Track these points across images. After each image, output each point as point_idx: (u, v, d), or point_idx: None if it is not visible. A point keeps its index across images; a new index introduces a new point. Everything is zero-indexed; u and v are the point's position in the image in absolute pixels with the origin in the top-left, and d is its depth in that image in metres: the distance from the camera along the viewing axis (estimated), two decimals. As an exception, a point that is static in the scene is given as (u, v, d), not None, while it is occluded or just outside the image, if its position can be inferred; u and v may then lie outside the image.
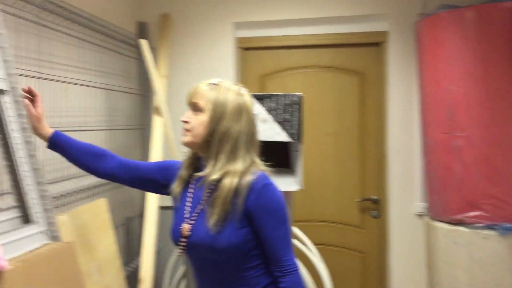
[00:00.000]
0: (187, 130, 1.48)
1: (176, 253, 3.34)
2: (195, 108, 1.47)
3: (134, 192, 3.27)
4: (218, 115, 1.42)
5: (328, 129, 3.46)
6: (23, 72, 2.03)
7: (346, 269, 3.43)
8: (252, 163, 1.44)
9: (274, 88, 3.54)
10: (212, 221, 1.37)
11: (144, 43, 2.96)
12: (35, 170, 1.56)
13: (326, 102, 3.47)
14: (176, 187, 1.54)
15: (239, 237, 1.37)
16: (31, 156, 1.56)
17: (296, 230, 2.98)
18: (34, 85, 2.12)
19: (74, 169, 2.40)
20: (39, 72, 2.15)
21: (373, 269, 3.41)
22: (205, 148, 1.45)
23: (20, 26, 2.03)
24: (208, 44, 3.54)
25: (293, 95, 2.20)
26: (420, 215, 3.18)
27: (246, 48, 3.60)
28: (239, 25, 3.56)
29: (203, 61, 3.54)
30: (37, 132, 1.62)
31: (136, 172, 1.65)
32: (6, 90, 1.53)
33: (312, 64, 3.53)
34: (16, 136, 1.53)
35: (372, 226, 3.41)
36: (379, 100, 3.40)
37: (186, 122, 1.49)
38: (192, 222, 1.44)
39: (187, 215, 1.47)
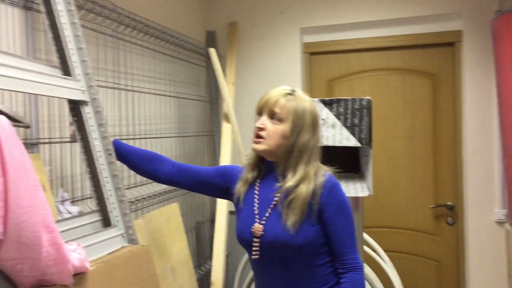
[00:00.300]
0: (261, 137, 1.51)
1: (246, 254, 3.39)
2: (273, 116, 1.51)
3: (204, 197, 3.35)
4: (298, 127, 1.49)
5: (398, 134, 3.37)
6: (102, 83, 2.15)
7: (420, 278, 3.32)
8: (319, 165, 1.54)
9: (342, 93, 3.50)
10: (290, 221, 1.43)
11: (213, 52, 3.03)
12: (114, 176, 1.64)
13: (396, 105, 3.38)
14: (240, 188, 1.60)
15: (312, 233, 1.45)
16: (111, 163, 1.64)
17: (366, 236, 2.92)
18: (112, 96, 2.24)
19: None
20: (116, 83, 2.27)
21: (449, 279, 3.27)
22: (278, 156, 1.52)
23: (99, 40, 2.15)
24: (275, 51, 3.56)
25: (362, 99, 2.16)
26: (500, 223, 3.01)
27: (313, 53, 3.59)
28: (305, 30, 3.56)
29: (270, 67, 3.57)
30: None
31: (195, 176, 1.71)
32: (87, 101, 1.63)
33: (381, 67, 3.45)
34: (97, 144, 1.62)
35: (448, 233, 3.27)
36: (453, 102, 3.26)
37: (261, 128, 1.52)
38: (263, 222, 1.50)
39: (257, 216, 1.53)
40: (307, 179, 1.47)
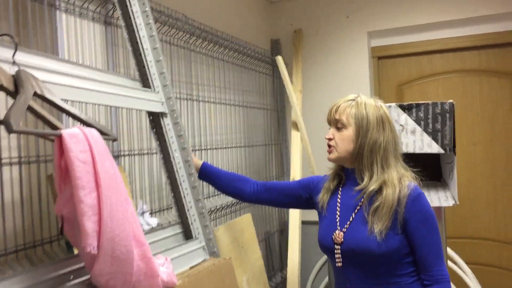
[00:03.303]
0: (331, 146, 1.55)
1: (318, 264, 3.30)
2: (338, 124, 1.54)
3: (272, 208, 3.30)
4: (363, 128, 1.49)
5: (476, 138, 3.19)
6: (176, 94, 2.16)
7: (505, 293, 3.10)
8: (403, 171, 1.50)
9: (412, 97, 3.37)
10: (377, 228, 1.41)
11: (280, 60, 3.00)
12: (194, 188, 1.63)
13: (473, 108, 3.20)
14: (323, 196, 1.61)
15: (397, 242, 1.42)
16: (190, 175, 1.63)
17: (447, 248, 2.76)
18: (184, 107, 2.25)
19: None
20: (189, 95, 2.28)
21: (539, 293, 3.03)
22: (352, 161, 1.52)
23: (173, 52, 2.17)
24: (342, 56, 3.48)
25: (443, 103, 2.04)
26: None
27: (381, 57, 3.49)
28: (373, 34, 3.46)
29: (337, 73, 3.49)
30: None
31: (281, 192, 1.77)
32: (166, 113, 1.63)
33: (456, 69, 3.29)
34: (176, 156, 1.61)
35: (535, 244, 3.04)
36: (537, 103, 3.04)
37: (330, 139, 1.56)
38: (344, 230, 1.50)
39: (338, 223, 1.52)
40: (390, 183, 1.45)
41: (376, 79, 3.48)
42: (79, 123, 1.17)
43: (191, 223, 1.58)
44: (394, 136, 1.52)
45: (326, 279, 3.12)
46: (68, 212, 1.02)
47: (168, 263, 1.23)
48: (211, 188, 2.44)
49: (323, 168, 3.13)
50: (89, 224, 0.97)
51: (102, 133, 1.19)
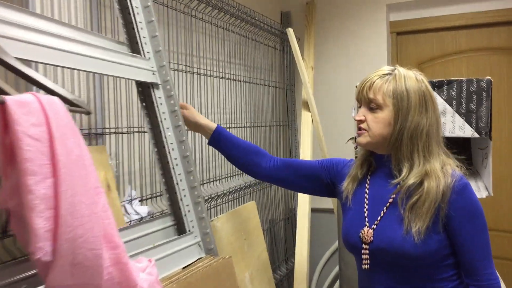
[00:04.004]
0: (362, 129, 1.31)
1: (324, 257, 3.08)
2: (371, 104, 1.29)
3: (278, 194, 3.07)
4: (403, 110, 1.25)
5: (502, 123, 2.92)
6: (174, 66, 1.91)
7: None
8: (445, 159, 1.28)
9: (434, 77, 3.04)
10: (415, 227, 1.21)
11: (291, 32, 2.72)
12: (189, 173, 1.38)
13: (500, 90, 2.92)
14: (348, 185, 1.38)
15: (437, 242, 1.22)
16: (185, 157, 1.39)
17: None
18: (183, 80, 1.99)
19: (217, 171, 2.26)
20: (189, 66, 2.02)
21: None
22: (387, 147, 1.29)
23: (171, 17, 1.91)
24: (357, 31, 3.20)
25: (480, 80, 1.78)
26: None
27: (401, 32, 3.21)
28: (392, 7, 3.17)
29: (352, 49, 3.21)
30: (198, 126, 1.54)
31: (298, 170, 1.53)
32: (158, 84, 1.38)
33: (482, 47, 3.01)
34: (169, 135, 1.37)
35: None
36: None
37: (361, 121, 1.32)
38: (374, 226, 1.29)
39: (367, 219, 1.31)
40: (432, 174, 1.22)
41: (395, 57, 3.20)
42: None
43: (185, 215, 1.34)
44: (437, 117, 1.30)
45: (336, 269, 2.89)
46: (16, 205, 0.78)
47: (151, 267, 0.99)
48: (211, 173, 2.20)
49: (335, 152, 2.88)
50: (40, 222, 0.73)
51: (70, 103, 0.94)
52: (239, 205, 2.27)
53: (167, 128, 1.37)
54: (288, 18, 3.35)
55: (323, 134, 2.79)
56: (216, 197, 2.10)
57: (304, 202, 2.50)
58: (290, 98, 3.29)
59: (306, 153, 2.63)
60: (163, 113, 1.37)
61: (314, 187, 1.53)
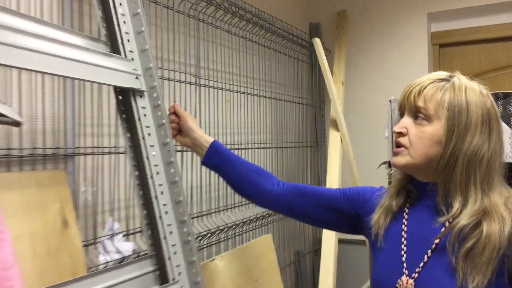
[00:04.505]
0: (401, 146, 1.04)
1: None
2: (418, 114, 1.02)
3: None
4: (459, 127, 0.98)
5: None
6: (179, 76, 1.64)
7: None
8: (507, 193, 1.00)
9: (482, 94, 2.72)
10: (472, 282, 0.92)
11: (318, 42, 2.43)
12: (178, 204, 1.09)
13: None
14: (379, 219, 1.10)
15: None
16: (173, 183, 1.09)
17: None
18: (195, 94, 1.72)
19: (228, 199, 1.96)
20: (204, 79, 1.75)
21: None
22: (433, 173, 1.02)
23: (178, 25, 1.65)
24: (394, 43, 2.88)
25: (550, 94, 1.43)
26: None
27: (444, 44, 2.88)
28: (434, 16, 2.84)
29: (388, 64, 2.89)
30: (191, 136, 1.27)
31: (313, 197, 1.24)
32: (142, 91, 1.10)
33: (540, 60, 2.63)
34: (154, 155, 1.08)
35: None
36: None
37: (401, 134, 1.04)
38: (416, 275, 1.00)
39: (405, 264, 1.03)
40: (494, 213, 0.95)
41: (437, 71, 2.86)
42: None
43: (169, 258, 1.04)
44: (502, 143, 1.04)
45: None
46: None
47: None
48: (221, 201, 1.90)
49: (367, 178, 2.53)
50: None
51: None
52: (250, 241, 1.96)
53: (151, 146, 1.08)
54: (317, 30, 3.07)
55: (354, 157, 2.46)
56: (218, 231, 1.79)
57: (329, 232, 2.17)
58: (318, 116, 2.98)
59: (333, 179, 2.31)
60: (147, 127, 1.09)
61: (334, 220, 1.23)
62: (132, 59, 1.11)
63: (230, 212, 1.91)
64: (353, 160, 2.41)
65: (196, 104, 1.76)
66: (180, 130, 1.35)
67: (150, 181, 1.06)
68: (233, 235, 1.91)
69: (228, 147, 1.95)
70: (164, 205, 1.07)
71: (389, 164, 1.77)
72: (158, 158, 1.09)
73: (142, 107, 1.09)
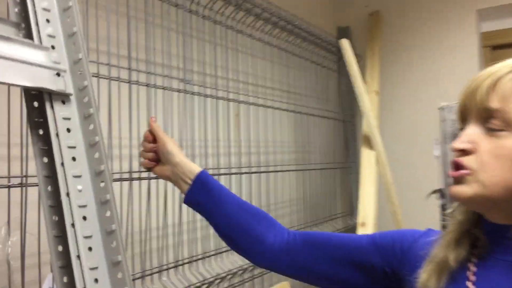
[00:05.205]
0: (464, 168, 0.69)
1: None
2: (487, 121, 0.69)
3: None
4: None
5: None
6: (174, 85, 1.28)
7: None
8: None
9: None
10: None
11: (345, 44, 2.04)
12: (115, 266, 0.71)
13: None
14: (427, 280, 0.73)
15: None
16: (109, 234, 0.72)
17: None
18: (197, 104, 1.35)
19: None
20: (202, 85, 1.38)
21: None
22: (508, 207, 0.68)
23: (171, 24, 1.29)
24: (437, 46, 2.45)
25: None
26: None
27: (497, 46, 2.44)
28: (484, 14, 2.41)
29: (430, 70, 2.46)
30: (172, 163, 0.97)
31: (332, 250, 0.87)
32: (68, 94, 0.73)
33: None
34: (79, 190, 0.71)
35: None
36: None
37: (463, 151, 0.70)
38: None
39: None
40: None
41: (490, 77, 2.41)
42: None
43: None
44: None
45: None
46: None
47: None
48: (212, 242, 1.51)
49: (413, 209, 2.09)
50: None
51: None
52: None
53: (76, 176, 0.71)
54: (346, 35, 2.67)
55: (396, 180, 2.03)
56: (230, 276, 1.40)
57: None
58: (349, 133, 2.57)
59: (367, 208, 1.88)
60: (71, 147, 0.72)
61: (361, 280, 0.85)
62: (53, 47, 0.74)
63: (232, 255, 1.51)
64: (391, 185, 1.99)
65: (205, 118, 1.39)
66: (158, 160, 1.02)
67: (70, 231, 0.68)
68: (240, 283, 1.51)
69: (234, 170, 1.57)
70: (93, 268, 0.69)
71: (442, 194, 1.34)
72: (87, 195, 0.71)
73: (64, 117, 0.73)
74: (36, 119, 0.73)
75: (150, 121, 1.05)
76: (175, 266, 1.28)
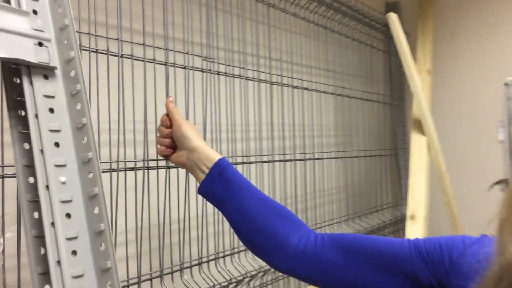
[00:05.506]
0: None
1: None
2: None
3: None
4: None
5: None
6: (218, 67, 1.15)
7: None
8: None
9: None
10: None
11: (393, 18, 1.85)
12: (104, 272, 0.59)
13: None
14: None
15: None
16: (98, 234, 0.60)
17: None
18: (224, 85, 1.22)
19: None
20: (229, 63, 1.25)
21: None
22: None
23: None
24: (501, 20, 2.20)
25: None
26: None
27: None
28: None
29: (489, 48, 2.21)
30: (188, 155, 0.87)
31: (368, 255, 0.73)
32: (52, 67, 0.62)
33: None
34: (62, 182, 0.59)
35: None
36: None
37: None
38: None
39: None
40: None
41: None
42: None
43: None
44: None
45: None
46: None
47: None
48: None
49: (471, 204, 1.88)
50: None
51: None
52: None
53: (59, 166, 0.59)
54: (395, 11, 2.46)
55: (447, 169, 1.83)
56: (249, 278, 1.27)
57: None
58: (398, 116, 2.37)
59: (418, 199, 1.70)
60: (53, 131, 0.60)
61: None
62: (35, 12, 0.63)
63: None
64: (445, 173, 1.79)
65: (234, 100, 1.27)
66: (175, 147, 0.90)
67: (49, 231, 0.57)
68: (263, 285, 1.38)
69: (267, 158, 1.43)
70: (77, 277, 0.57)
71: (507, 185, 1.16)
72: (72, 188, 0.60)
73: (46, 95, 0.61)
74: (16, 98, 0.62)
75: (166, 102, 0.93)
76: (215, 258, 1.17)
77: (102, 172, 0.85)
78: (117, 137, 0.97)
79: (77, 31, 0.80)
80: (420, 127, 1.90)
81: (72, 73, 0.63)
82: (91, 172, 0.61)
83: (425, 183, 1.77)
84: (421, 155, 1.82)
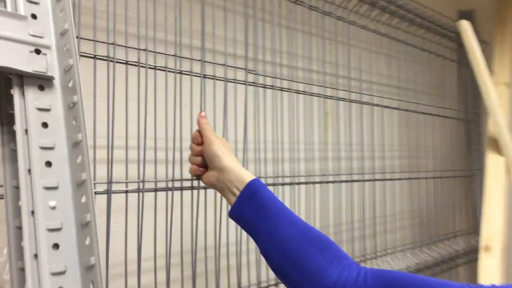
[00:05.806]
0: None
1: None
2: None
3: None
4: None
5: None
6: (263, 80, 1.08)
7: None
8: None
9: None
10: None
11: (466, 26, 1.67)
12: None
13: None
14: None
15: None
16: (88, 269, 0.52)
17: None
18: (270, 99, 1.13)
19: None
20: (275, 76, 1.16)
21: None
22: None
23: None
24: None
25: None
26: None
27: None
28: None
29: None
30: (218, 175, 0.78)
31: None
32: (50, 77, 0.55)
33: None
34: (51, 207, 0.52)
35: None
36: None
37: None
38: None
39: None
40: None
41: None
42: None
43: None
44: None
45: None
46: None
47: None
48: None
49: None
50: None
51: None
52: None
53: (50, 188, 0.52)
54: (469, 20, 2.26)
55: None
56: None
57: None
58: (473, 134, 2.15)
59: (493, 229, 1.50)
60: (46, 149, 0.53)
61: None
62: (34, 16, 0.57)
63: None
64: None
65: (288, 118, 1.17)
66: (206, 166, 0.82)
67: (30, 265, 0.49)
68: None
69: (319, 178, 1.31)
70: (57, 274, 0.49)
71: None
72: (63, 215, 0.52)
73: (39, 108, 0.54)
74: (11, 111, 0.56)
75: (198, 118, 0.85)
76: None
77: (130, 192, 0.78)
78: (141, 155, 0.90)
79: (94, 40, 0.74)
80: (496, 146, 1.69)
81: (70, 83, 0.56)
82: (84, 196, 0.53)
83: (502, 209, 1.56)
84: (498, 177, 1.61)
